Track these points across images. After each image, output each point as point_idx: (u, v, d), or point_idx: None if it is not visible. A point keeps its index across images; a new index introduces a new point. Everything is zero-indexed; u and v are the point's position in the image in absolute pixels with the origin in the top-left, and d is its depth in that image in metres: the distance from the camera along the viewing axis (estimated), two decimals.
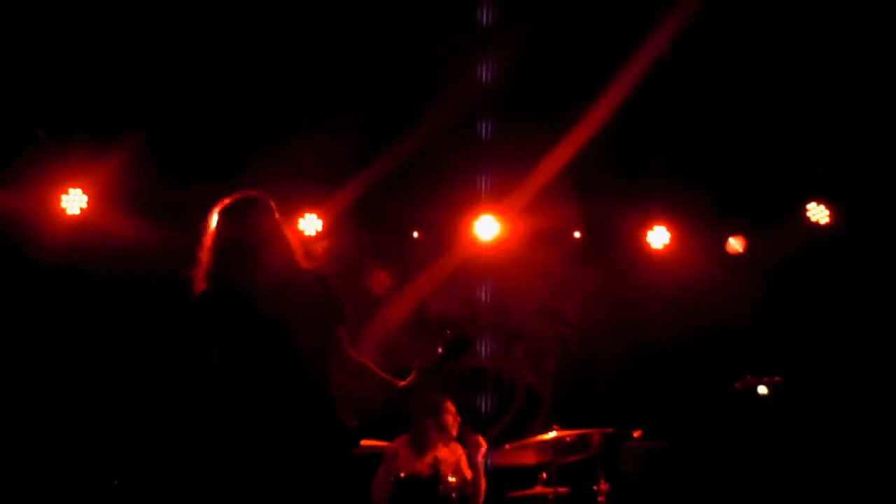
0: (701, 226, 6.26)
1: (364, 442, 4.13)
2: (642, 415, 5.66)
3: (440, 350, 2.83)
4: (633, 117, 5.38)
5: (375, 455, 4.74)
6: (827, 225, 6.04)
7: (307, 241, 5.58)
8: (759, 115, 5.56)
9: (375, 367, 2.91)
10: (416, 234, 6.13)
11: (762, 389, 5.82)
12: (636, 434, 4.49)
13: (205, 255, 2.78)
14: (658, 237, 6.24)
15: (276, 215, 2.86)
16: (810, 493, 5.61)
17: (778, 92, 5.38)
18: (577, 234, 6.21)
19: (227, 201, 2.85)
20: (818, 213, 6.05)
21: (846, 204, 6.06)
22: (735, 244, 6.25)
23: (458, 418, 4.88)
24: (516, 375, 5.97)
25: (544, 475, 4.58)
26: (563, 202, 5.81)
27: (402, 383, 2.84)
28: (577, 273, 6.02)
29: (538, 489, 4.57)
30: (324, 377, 2.73)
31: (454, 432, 4.85)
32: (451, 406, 4.88)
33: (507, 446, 4.59)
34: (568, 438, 4.44)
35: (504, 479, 4.93)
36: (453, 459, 4.75)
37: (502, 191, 5.91)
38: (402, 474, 4.50)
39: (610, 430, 4.47)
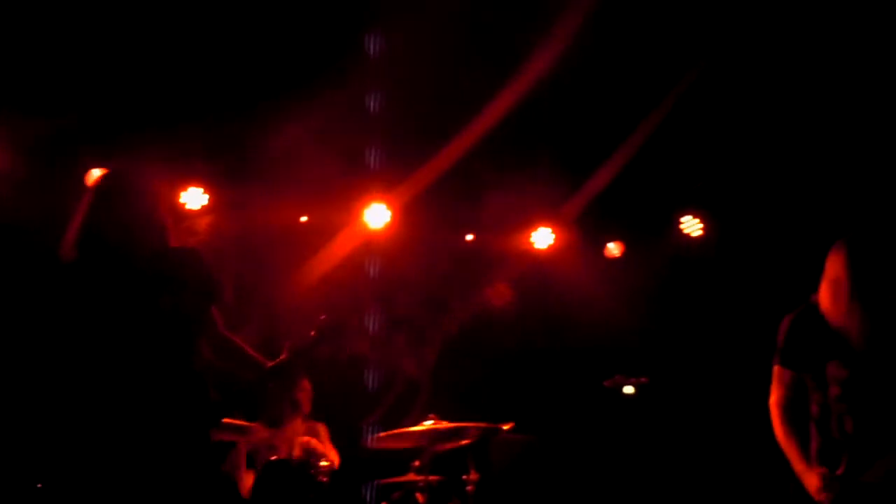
0: (583, 230, 6.49)
1: (225, 420, 4.11)
2: (515, 408, 5.84)
3: (312, 333, 2.91)
4: (523, 120, 5.50)
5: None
6: (699, 238, 6.39)
7: (189, 217, 5.48)
8: (644, 124, 5.79)
9: (249, 347, 2.93)
10: (304, 219, 6.07)
11: (628, 389, 6.12)
12: (506, 427, 4.64)
13: (75, 227, 2.73)
14: (542, 238, 6.44)
15: (153, 190, 2.83)
16: (667, 488, 5.96)
17: (663, 104, 5.62)
18: (469, 237, 6.35)
19: (100, 176, 2.81)
20: (692, 226, 6.38)
21: (719, 218, 6.40)
22: (613, 249, 6.51)
23: (312, 395, 4.96)
24: (397, 364, 6.05)
25: (417, 463, 4.67)
26: (453, 197, 5.90)
27: (271, 363, 2.91)
28: (463, 266, 6.15)
29: (410, 476, 4.66)
30: (190, 353, 2.71)
31: (306, 409, 4.94)
32: (306, 384, 4.95)
33: (381, 434, 4.65)
34: (442, 429, 4.54)
35: (377, 466, 5.01)
36: (310, 436, 4.84)
37: (394, 180, 5.94)
38: (272, 457, 4.50)
39: (483, 423, 4.60)
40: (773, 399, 3.46)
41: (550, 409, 6.18)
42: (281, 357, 2.92)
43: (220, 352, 2.84)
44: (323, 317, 2.95)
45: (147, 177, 2.85)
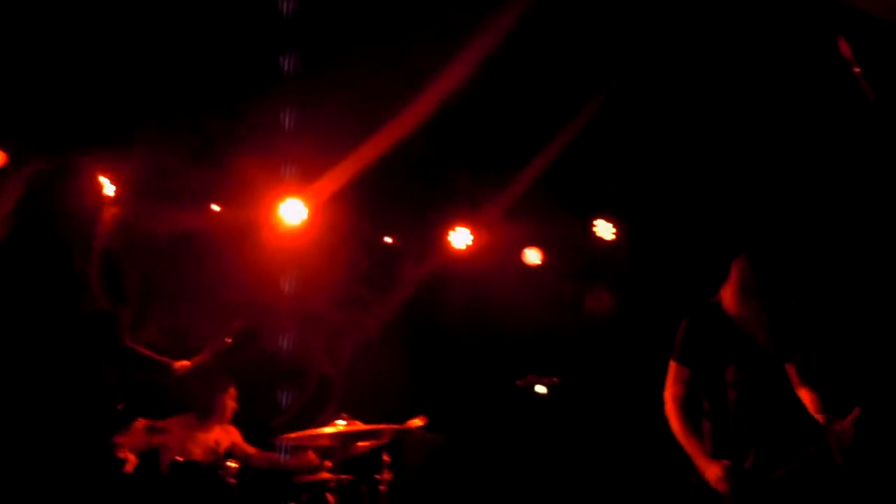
0: (500, 232, 6.54)
1: (140, 422, 3.99)
2: (430, 408, 5.85)
3: (228, 340, 2.88)
4: (441, 123, 5.52)
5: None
6: (612, 241, 6.54)
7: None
8: (561, 130, 5.88)
9: (153, 354, 2.88)
10: (216, 207, 5.86)
11: (540, 389, 6.22)
12: (420, 423, 4.64)
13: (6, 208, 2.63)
14: (460, 237, 6.47)
15: (91, 185, 2.77)
16: (574, 486, 6.09)
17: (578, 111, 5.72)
18: (388, 239, 6.31)
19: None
20: (604, 229, 6.53)
21: (631, 222, 6.57)
22: (532, 256, 6.59)
23: (236, 405, 4.89)
24: (312, 363, 5.97)
25: (328, 463, 4.63)
26: (371, 194, 5.86)
27: (189, 363, 2.85)
28: (382, 265, 6.12)
29: (323, 475, 4.61)
30: (100, 357, 2.62)
31: (229, 414, 4.86)
32: (232, 390, 4.87)
33: (293, 434, 4.59)
34: (355, 430, 4.51)
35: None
36: (229, 440, 4.75)
37: (311, 176, 5.84)
38: (179, 458, 4.38)
39: (397, 425, 4.59)
40: (669, 395, 3.58)
41: (464, 408, 6.22)
42: (201, 357, 2.89)
43: (124, 364, 2.78)
44: (238, 323, 2.92)
45: (87, 170, 2.75)
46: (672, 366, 3.63)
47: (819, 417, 3.51)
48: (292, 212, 5.85)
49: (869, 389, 3.70)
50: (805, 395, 3.58)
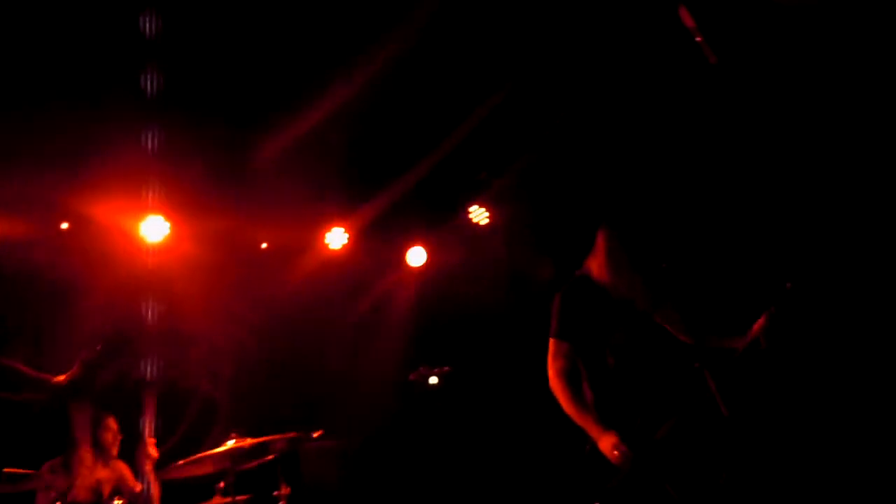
0: (377, 229, 6.46)
1: (6, 470, 3.68)
2: (323, 414, 5.72)
3: (99, 347, 2.74)
4: (312, 123, 5.40)
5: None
6: (487, 226, 6.60)
7: None
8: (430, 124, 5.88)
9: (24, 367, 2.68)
10: (65, 225, 5.43)
11: (433, 380, 6.20)
12: (315, 434, 4.52)
13: None
14: (336, 238, 6.34)
15: None
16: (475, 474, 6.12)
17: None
18: (263, 245, 6.10)
19: None
20: (479, 215, 6.58)
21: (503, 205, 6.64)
22: (415, 255, 6.55)
23: (120, 435, 4.61)
24: (191, 384, 5.71)
25: (222, 484, 4.43)
26: (237, 202, 5.65)
27: (60, 378, 2.70)
28: (255, 274, 5.92)
29: (216, 500, 4.41)
30: None
31: (114, 451, 4.57)
32: (111, 423, 4.58)
33: (180, 462, 4.35)
34: (246, 446, 4.33)
35: (180, 493, 4.69)
36: (115, 478, 4.46)
37: (171, 192, 5.56)
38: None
39: (290, 434, 4.44)
40: (552, 370, 3.63)
41: (359, 410, 6.12)
42: (73, 370, 2.73)
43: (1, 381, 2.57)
44: (110, 329, 2.78)
45: None
46: (552, 342, 3.67)
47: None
48: (153, 229, 5.57)
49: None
50: (680, 333, 3.70)
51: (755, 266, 4.96)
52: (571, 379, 3.59)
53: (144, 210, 5.47)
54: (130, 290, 5.25)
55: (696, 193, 5.53)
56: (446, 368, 6.24)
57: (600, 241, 3.74)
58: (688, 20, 4.86)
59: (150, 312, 5.20)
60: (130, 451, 4.75)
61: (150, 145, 5.16)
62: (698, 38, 4.93)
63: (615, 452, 3.38)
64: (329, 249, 6.33)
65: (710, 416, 3.54)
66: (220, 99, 5.20)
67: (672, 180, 5.59)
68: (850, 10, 4.44)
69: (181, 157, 5.28)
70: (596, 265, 3.72)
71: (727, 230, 5.36)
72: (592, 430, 3.48)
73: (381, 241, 6.49)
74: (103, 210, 5.39)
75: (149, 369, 4.95)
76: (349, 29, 4.97)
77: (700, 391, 3.53)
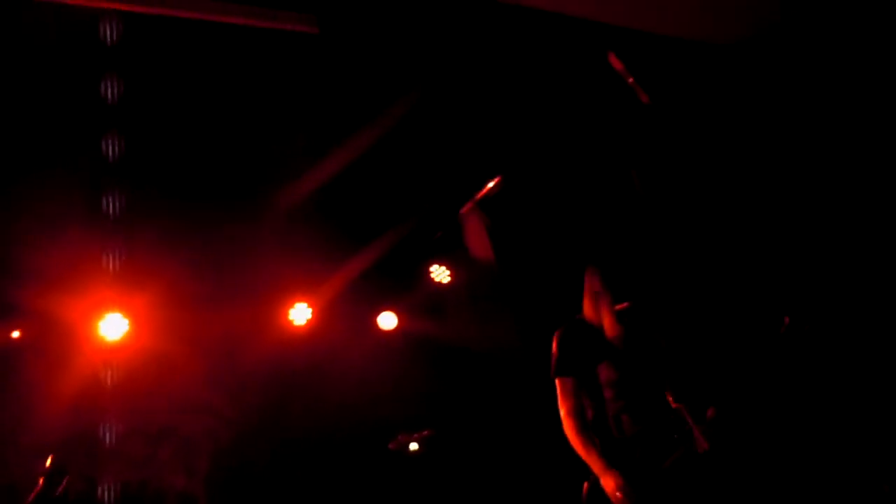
0: (343, 300, 6.41)
1: None
2: (304, 495, 5.58)
3: (41, 481, 2.64)
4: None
5: None
6: (449, 284, 6.60)
7: None
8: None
9: None
10: (16, 334, 5.28)
11: (413, 446, 6.12)
12: None
13: None
14: (300, 314, 6.29)
15: None
16: None
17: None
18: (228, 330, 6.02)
19: None
20: (440, 274, 6.59)
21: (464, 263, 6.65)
22: (386, 320, 6.50)
23: None
24: (165, 482, 5.53)
25: None
26: (197, 291, 5.58)
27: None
28: (221, 361, 5.81)
29: None
30: None
31: None
32: None
33: None
34: None
35: None
36: None
37: (130, 288, 5.48)
38: None
39: None
40: (564, 410, 3.62)
41: (341, 485, 5.99)
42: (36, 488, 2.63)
43: None
44: (48, 460, 2.68)
45: None
46: (558, 382, 3.68)
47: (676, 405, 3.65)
48: (113, 327, 5.49)
49: (720, 382, 3.88)
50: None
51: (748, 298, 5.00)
52: (581, 416, 3.60)
53: (102, 308, 5.41)
54: (92, 392, 5.12)
55: (675, 225, 5.59)
56: (426, 432, 6.17)
57: (587, 282, 3.79)
58: (616, 64, 5.01)
59: (112, 416, 5.07)
60: None
61: (103, 241, 5.11)
62: (630, 80, 5.07)
63: (618, 495, 3.36)
64: (294, 326, 6.27)
65: (694, 450, 3.53)
66: (176, 187, 5.16)
67: (646, 214, 5.66)
68: (779, 46, 4.61)
69: (136, 250, 5.23)
70: (585, 305, 3.77)
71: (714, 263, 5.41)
72: (596, 466, 3.47)
73: (347, 311, 6.44)
74: (59, 311, 5.28)
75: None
76: (306, 110, 5.03)
77: (681, 426, 3.54)
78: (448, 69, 5.05)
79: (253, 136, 5.05)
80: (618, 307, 3.72)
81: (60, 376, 5.09)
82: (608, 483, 3.41)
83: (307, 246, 5.89)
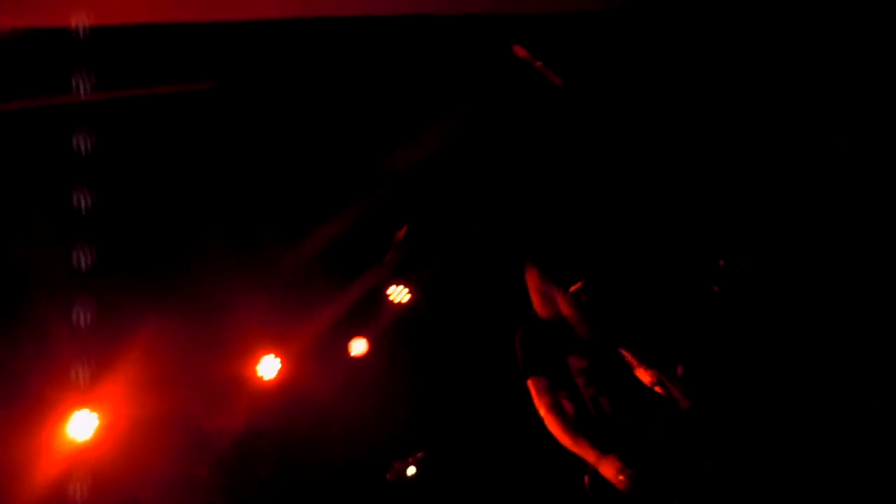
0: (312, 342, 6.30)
1: None
2: None
3: None
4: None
5: None
6: (409, 303, 6.55)
7: None
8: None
9: None
10: None
11: (411, 471, 6.06)
12: None
13: None
14: (268, 367, 6.17)
15: None
16: None
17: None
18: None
19: None
20: (399, 293, 6.53)
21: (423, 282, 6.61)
22: (358, 346, 6.43)
23: None
24: None
25: None
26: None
27: None
28: (201, 434, 5.67)
29: None
30: None
31: None
32: None
33: None
34: None
35: None
36: None
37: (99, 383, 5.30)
38: None
39: None
40: (543, 409, 3.61)
41: None
42: None
43: None
44: None
45: None
46: (530, 384, 3.66)
47: (644, 375, 3.66)
48: (81, 425, 5.30)
49: (678, 337, 3.90)
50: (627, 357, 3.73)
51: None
52: (560, 412, 3.58)
53: (71, 406, 5.22)
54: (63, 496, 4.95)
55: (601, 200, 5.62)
56: (420, 454, 6.12)
57: (529, 281, 3.78)
58: (521, 53, 5.02)
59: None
60: None
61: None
62: (538, 64, 5.08)
63: (621, 477, 3.34)
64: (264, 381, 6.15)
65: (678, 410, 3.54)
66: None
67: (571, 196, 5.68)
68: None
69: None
70: (535, 303, 3.76)
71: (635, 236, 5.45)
72: (590, 456, 3.45)
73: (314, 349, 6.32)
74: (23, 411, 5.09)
75: None
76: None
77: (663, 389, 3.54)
78: (363, 97, 5.05)
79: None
80: (572, 289, 3.72)
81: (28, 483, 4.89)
82: (607, 470, 3.40)
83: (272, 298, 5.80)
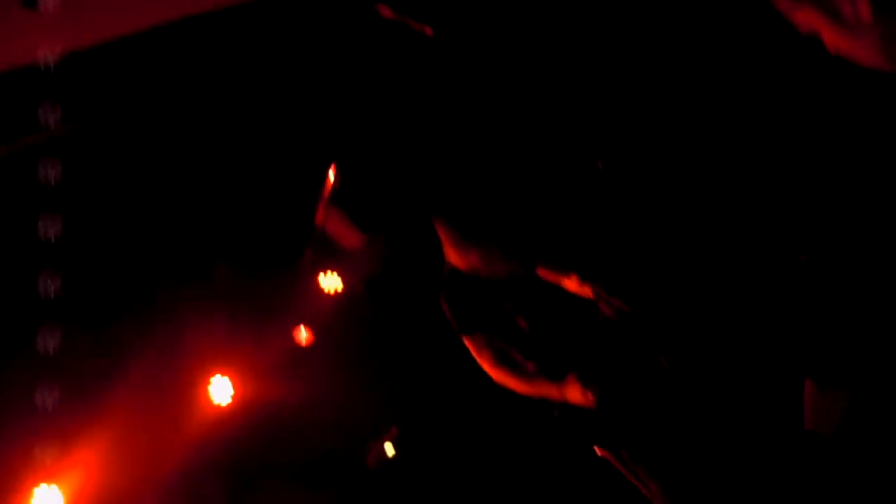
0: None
1: None
2: None
3: None
4: None
5: None
6: (343, 291, 6.46)
7: None
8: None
9: None
10: None
11: (390, 451, 6.05)
12: None
13: None
14: (220, 389, 6.01)
15: None
16: None
17: None
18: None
19: None
20: (331, 281, 6.43)
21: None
22: (301, 336, 6.33)
23: None
24: None
25: None
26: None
27: None
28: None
29: None
30: None
31: None
32: None
33: None
34: None
35: None
36: None
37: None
38: None
39: None
40: (487, 364, 3.52)
41: None
42: None
43: None
44: None
45: None
46: (467, 343, 3.58)
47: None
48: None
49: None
50: None
51: None
52: (505, 360, 3.50)
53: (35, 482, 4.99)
54: None
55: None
56: (394, 431, 6.10)
57: (441, 232, 3.66)
58: (387, 13, 4.89)
59: None
60: None
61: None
62: (408, 21, 4.96)
63: (588, 394, 3.28)
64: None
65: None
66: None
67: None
68: None
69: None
70: (450, 255, 3.65)
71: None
72: (551, 389, 3.40)
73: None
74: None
75: None
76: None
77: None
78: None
79: None
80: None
81: None
82: (572, 394, 3.34)
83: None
